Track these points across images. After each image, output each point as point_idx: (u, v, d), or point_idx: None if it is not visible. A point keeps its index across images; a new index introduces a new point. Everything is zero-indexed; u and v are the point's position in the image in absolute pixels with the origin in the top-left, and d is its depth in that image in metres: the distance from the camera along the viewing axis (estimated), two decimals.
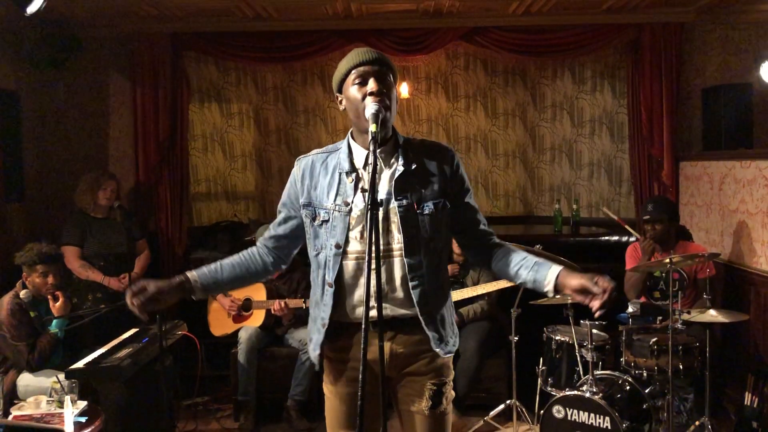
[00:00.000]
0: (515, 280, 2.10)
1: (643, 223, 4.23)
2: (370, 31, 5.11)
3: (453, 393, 2.17)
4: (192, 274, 2.09)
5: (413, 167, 2.05)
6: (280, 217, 2.22)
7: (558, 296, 2.00)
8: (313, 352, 2.13)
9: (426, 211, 2.03)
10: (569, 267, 2.01)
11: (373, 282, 1.74)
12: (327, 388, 2.18)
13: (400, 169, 2.03)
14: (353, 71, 2.00)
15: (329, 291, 2.05)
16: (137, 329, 3.89)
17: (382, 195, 2.01)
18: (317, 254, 2.09)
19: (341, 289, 2.05)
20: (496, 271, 2.17)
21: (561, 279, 1.95)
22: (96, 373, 3.28)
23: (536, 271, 2.02)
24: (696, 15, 5.05)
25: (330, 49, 5.19)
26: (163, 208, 5.20)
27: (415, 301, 2.01)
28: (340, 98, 2.09)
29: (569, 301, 3.73)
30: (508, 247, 2.15)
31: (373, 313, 1.78)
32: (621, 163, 5.86)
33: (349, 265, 2.03)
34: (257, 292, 4.47)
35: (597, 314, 1.87)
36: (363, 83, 1.98)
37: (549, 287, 1.98)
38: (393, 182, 2.02)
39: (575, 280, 1.91)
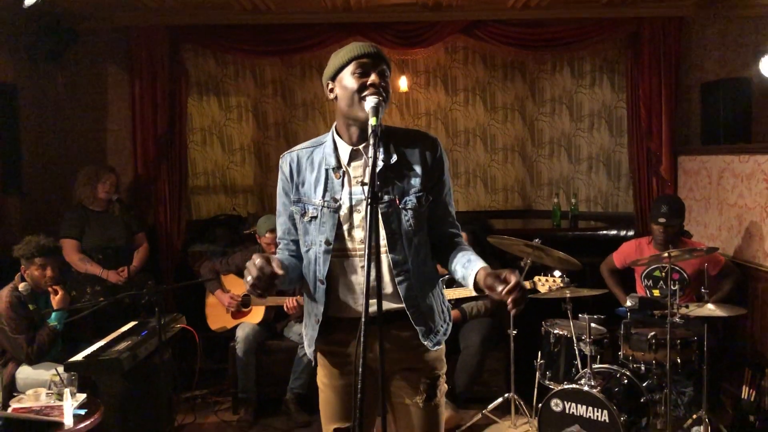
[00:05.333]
0: (453, 275, 2.09)
1: (656, 225, 4.13)
2: (369, 24, 5.10)
3: (446, 386, 2.19)
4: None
5: (394, 160, 2.02)
6: (284, 225, 2.16)
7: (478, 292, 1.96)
8: (308, 348, 2.15)
9: (409, 206, 2.01)
10: (489, 267, 1.94)
11: (371, 276, 1.71)
12: (321, 381, 2.18)
13: (380, 163, 1.98)
14: (354, 61, 1.98)
15: (321, 288, 2.04)
16: (136, 322, 3.90)
17: (364, 192, 1.97)
18: (308, 250, 2.08)
19: (333, 285, 2.04)
20: (444, 267, 2.14)
21: (478, 277, 1.93)
22: (95, 366, 3.28)
23: (466, 268, 2.00)
24: (695, 9, 5.05)
25: (329, 42, 5.17)
26: (162, 201, 5.18)
27: (401, 295, 2.01)
28: (331, 86, 2.06)
29: (568, 295, 3.74)
30: (461, 246, 2.11)
31: (371, 308, 1.77)
32: (620, 157, 5.87)
33: (340, 261, 2.03)
34: None
35: (512, 312, 1.81)
36: (364, 74, 1.97)
37: (470, 284, 1.96)
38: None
39: (488, 279, 1.86)
